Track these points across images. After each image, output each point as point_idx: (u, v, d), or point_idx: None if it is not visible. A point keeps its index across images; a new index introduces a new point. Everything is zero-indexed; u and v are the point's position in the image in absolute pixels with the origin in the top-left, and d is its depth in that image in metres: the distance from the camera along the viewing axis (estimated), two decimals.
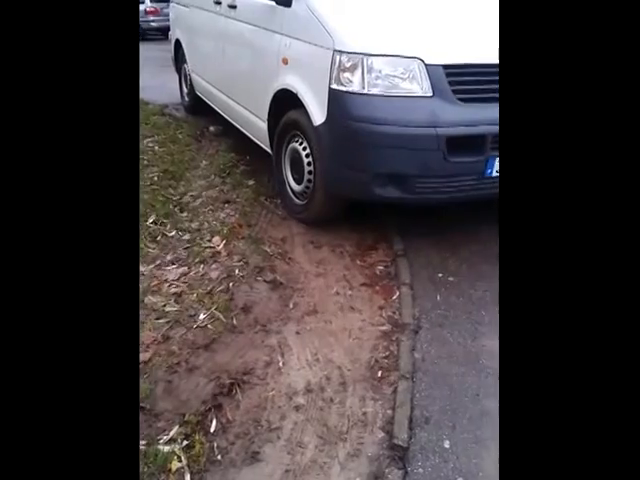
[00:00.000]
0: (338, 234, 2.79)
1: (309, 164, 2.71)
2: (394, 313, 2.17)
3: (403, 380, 1.77)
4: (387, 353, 1.92)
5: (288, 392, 1.72)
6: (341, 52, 2.33)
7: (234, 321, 2.03)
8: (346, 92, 2.33)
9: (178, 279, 2.27)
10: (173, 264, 2.39)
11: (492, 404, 1.68)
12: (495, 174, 2.40)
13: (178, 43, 4.96)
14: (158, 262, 2.39)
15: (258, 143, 3.37)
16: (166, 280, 2.25)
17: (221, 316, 2.02)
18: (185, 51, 4.76)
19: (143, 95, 5.67)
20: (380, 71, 2.29)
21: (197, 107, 4.86)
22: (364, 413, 1.65)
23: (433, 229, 2.82)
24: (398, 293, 2.29)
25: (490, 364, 1.86)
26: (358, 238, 2.77)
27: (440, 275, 2.43)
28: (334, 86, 2.36)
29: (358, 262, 2.56)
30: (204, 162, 3.70)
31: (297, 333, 2.01)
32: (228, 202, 3.07)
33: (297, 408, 1.67)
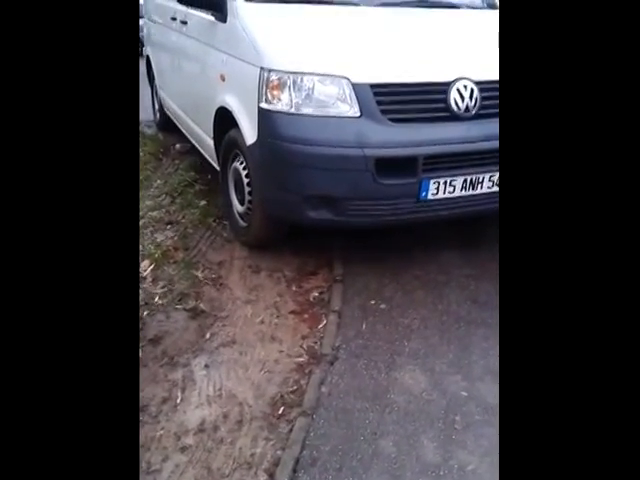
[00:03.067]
0: (280, 258, 2.70)
1: (248, 184, 2.63)
2: (315, 343, 2.06)
3: (302, 417, 1.66)
4: (295, 387, 1.82)
5: (178, 432, 1.62)
6: (269, 70, 2.26)
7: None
8: (274, 111, 2.26)
9: None
10: None
11: (387, 443, 1.58)
12: (431, 197, 2.30)
13: (148, 59, 4.95)
14: None
15: (211, 162, 3.31)
16: None
17: None
18: (153, 67, 4.74)
19: None
20: (308, 90, 2.22)
21: (167, 124, 4.81)
22: (252, 454, 1.55)
23: (378, 253, 2.72)
24: (325, 321, 2.19)
25: (397, 398, 1.75)
26: (300, 263, 2.67)
27: (372, 302, 2.32)
28: (263, 105, 2.29)
29: (294, 288, 2.46)
30: (158, 181, 3.63)
31: (206, 366, 1.91)
32: (171, 223, 3.00)
33: (183, 449, 1.56)
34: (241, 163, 2.67)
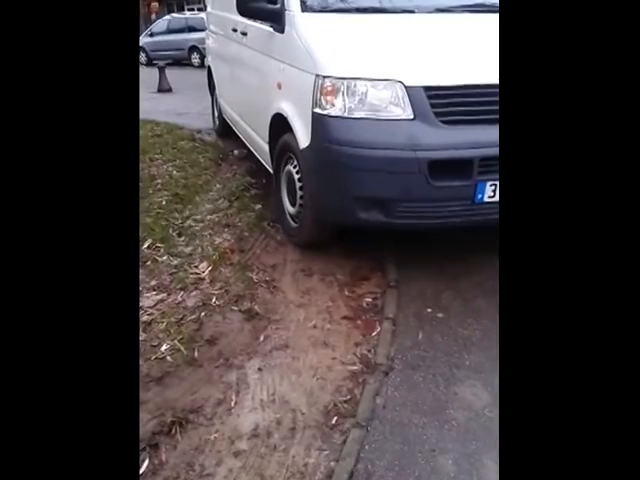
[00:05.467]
0: (332, 261, 2.68)
1: (301, 188, 2.65)
2: (369, 351, 2.02)
3: (356, 429, 1.62)
4: (349, 397, 1.78)
5: (232, 435, 1.63)
6: (324, 77, 2.28)
7: (195, 353, 1.97)
8: (327, 116, 2.28)
9: (153, 306, 2.25)
10: (154, 290, 2.38)
11: (447, 461, 1.51)
12: (487, 200, 2.22)
13: (209, 69, 5.10)
14: (140, 288, 2.39)
15: (266, 166, 3.36)
16: (141, 307, 2.23)
17: (182, 348, 1.97)
18: (214, 77, 4.88)
19: (180, 120, 5.89)
20: (361, 95, 2.22)
21: (226, 131, 4.93)
22: (305, 464, 1.53)
23: (433, 258, 2.64)
24: (379, 329, 2.14)
25: (457, 415, 1.68)
26: (353, 266, 2.64)
27: (429, 310, 2.25)
28: (317, 110, 2.31)
29: (346, 292, 2.43)
30: (217, 186, 3.72)
31: (259, 369, 1.92)
32: (229, 226, 3.05)
33: (237, 454, 1.57)
34: (294, 166, 2.70)
